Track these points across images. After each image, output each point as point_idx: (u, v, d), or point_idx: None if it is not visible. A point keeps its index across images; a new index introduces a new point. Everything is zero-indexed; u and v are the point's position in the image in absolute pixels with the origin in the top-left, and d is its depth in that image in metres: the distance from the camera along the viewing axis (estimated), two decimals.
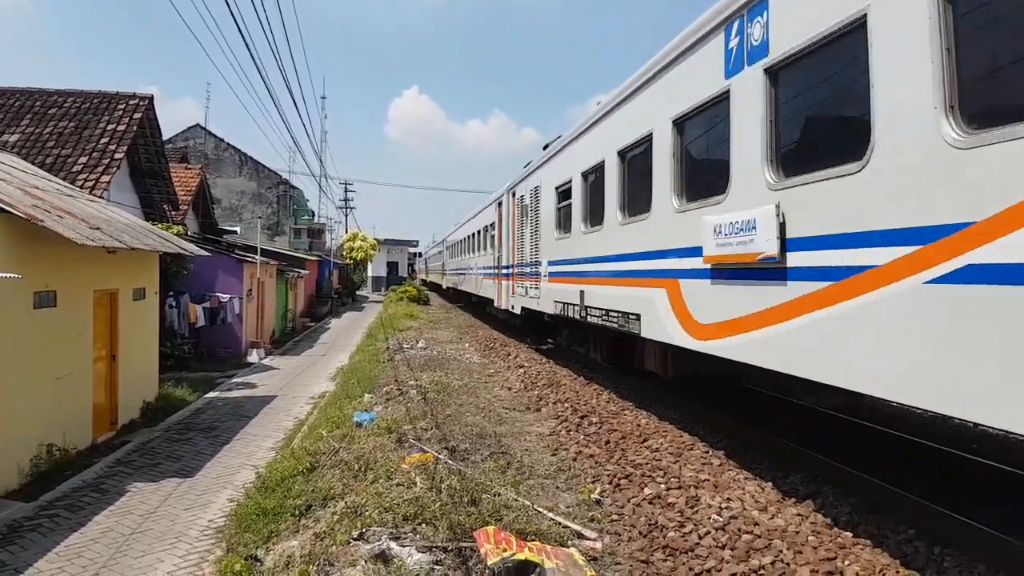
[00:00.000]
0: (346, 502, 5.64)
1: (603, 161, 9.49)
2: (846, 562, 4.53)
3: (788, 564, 4.53)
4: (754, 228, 5.42)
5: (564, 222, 11.66)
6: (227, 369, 16.95)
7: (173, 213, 19.57)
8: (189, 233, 19.52)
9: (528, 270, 14.45)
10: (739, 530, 5.08)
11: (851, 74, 4.61)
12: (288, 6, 56.04)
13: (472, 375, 12.74)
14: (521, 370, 13.37)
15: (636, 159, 8.56)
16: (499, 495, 5.51)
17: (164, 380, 13.21)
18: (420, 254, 76.74)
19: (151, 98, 17.30)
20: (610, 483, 6.25)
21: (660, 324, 7.48)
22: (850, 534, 4.97)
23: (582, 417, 8.87)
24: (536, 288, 13.68)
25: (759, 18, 5.51)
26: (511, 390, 11.30)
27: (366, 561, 4.45)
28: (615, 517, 5.46)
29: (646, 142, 7.97)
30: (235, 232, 28.56)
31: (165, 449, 9.74)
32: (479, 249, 23.03)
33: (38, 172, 12.60)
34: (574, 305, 10.93)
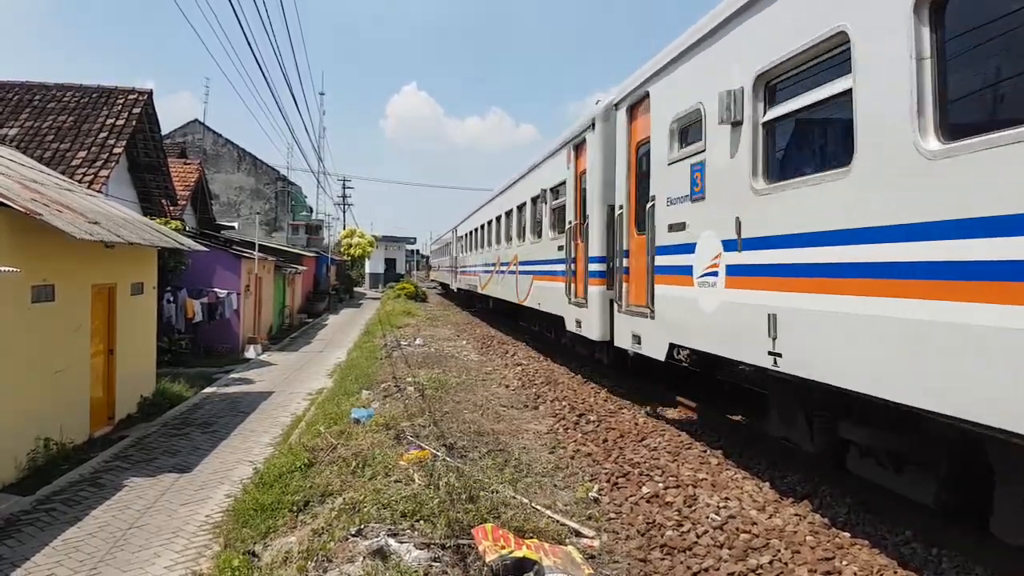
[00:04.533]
0: (344, 498, 5.63)
1: (472, 231, 25.31)
2: (844, 562, 4.53)
3: (786, 564, 4.54)
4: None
5: (465, 248, 27.98)
6: (224, 365, 16.91)
7: (171, 208, 19.52)
8: (187, 228, 19.50)
9: (460, 268, 30.34)
10: (737, 529, 5.09)
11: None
12: (289, 1, 55.81)
13: (470, 372, 12.74)
14: (519, 368, 13.38)
15: (490, 227, 21.02)
16: (497, 492, 5.51)
17: (161, 375, 13.19)
18: (417, 251, 77.12)
19: (150, 93, 17.24)
20: (608, 481, 6.25)
21: (481, 287, 22.58)
22: (848, 534, 4.99)
23: (580, 415, 8.87)
24: (463, 277, 29.02)
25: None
26: (509, 388, 11.29)
27: (364, 558, 4.45)
28: (613, 515, 5.46)
29: (490, 224, 20.75)
30: (233, 228, 28.47)
31: (162, 444, 9.73)
32: (447, 255, 37.82)
33: (37, 166, 12.57)
34: (470, 283, 26.19)
